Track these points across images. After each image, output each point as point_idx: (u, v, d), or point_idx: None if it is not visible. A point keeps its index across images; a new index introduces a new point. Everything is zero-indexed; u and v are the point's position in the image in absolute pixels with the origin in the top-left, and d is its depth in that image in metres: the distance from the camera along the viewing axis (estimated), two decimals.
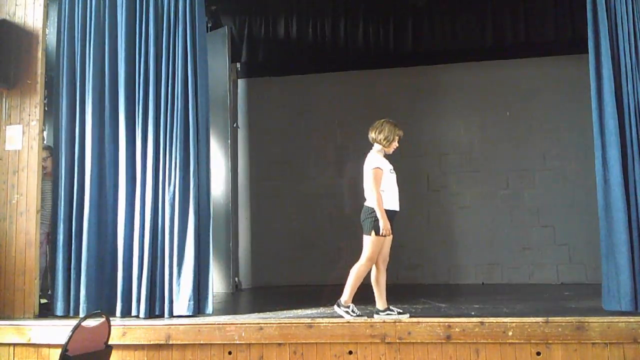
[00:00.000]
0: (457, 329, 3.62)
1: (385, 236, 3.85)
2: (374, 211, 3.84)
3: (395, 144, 4.06)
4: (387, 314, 3.85)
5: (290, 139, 7.48)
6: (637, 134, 3.97)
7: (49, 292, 4.61)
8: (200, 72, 4.48)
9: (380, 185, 3.91)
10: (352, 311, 3.87)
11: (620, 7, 4.09)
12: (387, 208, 3.89)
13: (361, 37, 7.02)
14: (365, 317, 3.84)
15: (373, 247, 3.87)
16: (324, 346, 3.73)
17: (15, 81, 4.57)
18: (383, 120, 4.10)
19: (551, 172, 6.92)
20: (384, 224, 3.82)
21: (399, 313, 3.84)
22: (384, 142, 4.03)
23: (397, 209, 3.98)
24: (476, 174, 7.07)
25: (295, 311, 4.37)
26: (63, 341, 3.00)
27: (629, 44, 4.06)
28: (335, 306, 3.93)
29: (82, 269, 4.34)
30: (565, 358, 3.52)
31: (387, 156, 4.08)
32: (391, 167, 4.01)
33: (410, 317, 3.84)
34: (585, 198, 6.43)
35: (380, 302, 3.93)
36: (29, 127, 4.52)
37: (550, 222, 6.85)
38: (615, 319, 3.57)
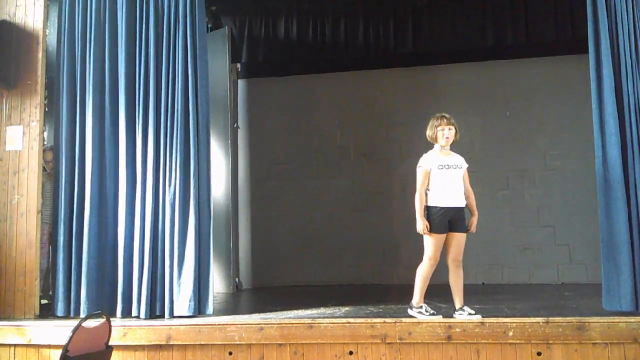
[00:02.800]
0: (457, 329, 3.62)
1: (426, 234, 3.83)
2: (426, 210, 3.85)
3: (442, 135, 3.92)
4: (429, 313, 3.82)
5: (291, 139, 7.48)
6: (638, 133, 3.96)
7: (50, 293, 4.61)
8: (201, 73, 4.48)
9: (424, 185, 3.89)
10: (425, 311, 3.82)
11: (620, 7, 4.09)
12: (436, 205, 3.84)
13: (361, 37, 7.03)
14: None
15: (430, 245, 3.85)
16: (325, 346, 3.73)
17: (16, 82, 4.57)
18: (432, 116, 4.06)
19: (551, 172, 6.92)
20: (418, 222, 3.82)
21: (472, 313, 3.79)
22: (431, 139, 4.01)
23: (450, 205, 3.85)
24: (476, 174, 7.01)
25: (295, 311, 4.37)
26: (64, 342, 3.00)
27: (629, 43, 4.05)
28: (408, 309, 3.88)
29: (82, 269, 4.34)
30: (565, 358, 3.52)
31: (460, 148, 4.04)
32: (444, 163, 3.90)
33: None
34: (585, 198, 6.43)
35: (417, 297, 3.90)
36: (29, 128, 4.52)
37: (551, 222, 6.85)
38: (616, 319, 3.57)
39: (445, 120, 3.95)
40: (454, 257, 3.89)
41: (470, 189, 4.00)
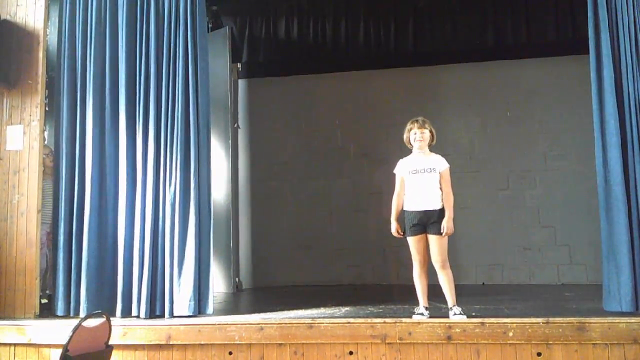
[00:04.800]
0: (457, 330, 3.61)
1: (397, 236, 4.01)
2: (404, 214, 3.97)
3: (415, 138, 3.99)
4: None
5: (291, 139, 7.49)
6: (638, 134, 3.96)
7: (47, 292, 4.59)
8: (201, 73, 4.48)
9: (399, 190, 4.03)
10: (422, 313, 3.83)
11: (621, 7, 4.09)
12: (406, 209, 3.96)
13: (362, 37, 7.03)
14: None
15: (410, 247, 3.96)
16: (325, 346, 3.73)
17: (16, 81, 4.57)
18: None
19: (552, 173, 6.93)
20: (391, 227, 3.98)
21: (457, 313, 3.77)
22: (406, 142, 4.10)
23: (418, 209, 3.90)
24: (476, 174, 7.07)
25: (295, 311, 4.37)
26: (64, 341, 3.00)
27: (630, 44, 4.05)
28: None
29: (82, 268, 4.34)
30: (566, 359, 3.51)
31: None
32: (415, 167, 3.96)
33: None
34: (585, 198, 6.43)
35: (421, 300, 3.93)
36: (30, 127, 4.52)
37: (551, 223, 6.85)
38: (616, 319, 3.56)
39: (416, 123, 4.02)
40: (434, 259, 3.90)
41: (447, 190, 3.94)
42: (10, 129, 4.53)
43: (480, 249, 6.84)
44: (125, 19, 4.56)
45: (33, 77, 4.57)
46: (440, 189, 3.93)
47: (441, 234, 3.86)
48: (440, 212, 3.89)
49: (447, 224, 3.85)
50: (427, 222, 3.89)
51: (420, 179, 3.94)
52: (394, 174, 4.08)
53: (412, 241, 3.94)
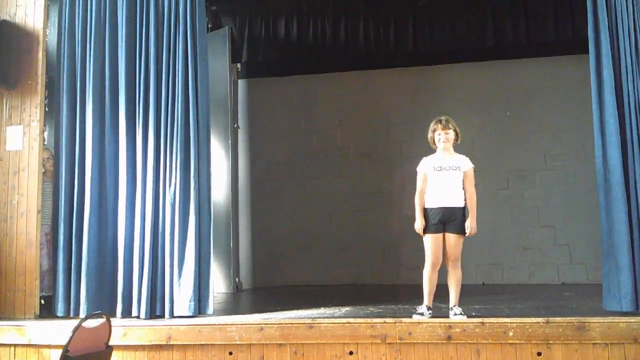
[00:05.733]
0: (457, 330, 3.61)
1: (420, 233, 3.92)
2: (424, 212, 3.92)
3: (439, 138, 3.97)
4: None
5: (291, 139, 7.49)
6: (638, 133, 3.96)
7: (43, 294, 4.57)
8: (201, 73, 4.48)
9: (422, 186, 3.97)
10: (422, 313, 3.82)
11: (621, 7, 4.09)
12: (429, 206, 3.91)
13: (361, 37, 7.04)
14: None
15: (426, 246, 3.92)
16: (325, 346, 3.73)
17: (16, 82, 4.57)
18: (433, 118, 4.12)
19: (552, 172, 6.93)
20: (416, 221, 3.92)
21: (457, 314, 3.77)
22: (430, 142, 4.06)
23: (441, 205, 3.87)
24: (476, 174, 6.97)
25: (295, 311, 4.37)
26: (64, 342, 3.00)
27: (630, 44, 4.05)
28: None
29: (82, 269, 4.34)
30: (566, 358, 3.51)
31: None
32: (439, 165, 3.94)
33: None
34: (585, 198, 6.43)
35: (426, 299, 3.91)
36: (30, 128, 4.52)
37: (551, 222, 6.86)
38: (616, 319, 3.57)
39: (440, 125, 3.99)
40: (448, 257, 3.91)
41: (471, 190, 3.95)
42: (10, 130, 4.53)
43: (480, 249, 6.82)
44: (125, 19, 4.56)
45: (33, 78, 4.57)
46: (464, 188, 3.93)
47: (461, 232, 3.86)
48: (462, 211, 3.89)
49: (471, 224, 3.86)
50: (448, 220, 3.87)
51: (444, 175, 3.93)
52: (418, 170, 4.02)
53: (430, 239, 3.90)
